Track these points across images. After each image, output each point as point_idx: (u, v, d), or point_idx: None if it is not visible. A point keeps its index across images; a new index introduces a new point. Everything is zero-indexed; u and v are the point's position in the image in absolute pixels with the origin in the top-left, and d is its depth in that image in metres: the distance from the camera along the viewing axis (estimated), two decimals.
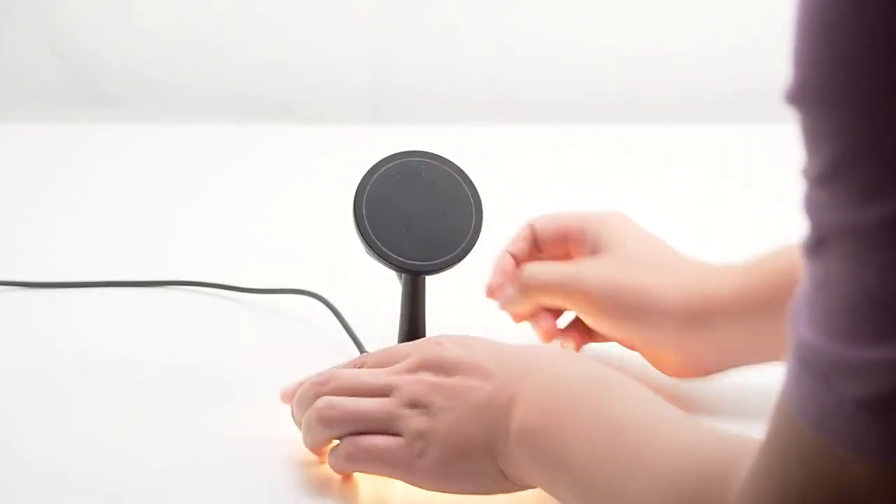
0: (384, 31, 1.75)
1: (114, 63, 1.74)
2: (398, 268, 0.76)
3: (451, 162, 0.79)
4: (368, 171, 0.77)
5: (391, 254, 0.76)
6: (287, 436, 0.76)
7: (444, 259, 0.77)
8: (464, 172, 0.79)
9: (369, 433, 0.64)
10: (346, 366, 0.70)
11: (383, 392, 0.65)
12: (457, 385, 0.63)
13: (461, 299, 0.99)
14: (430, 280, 0.78)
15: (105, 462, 0.73)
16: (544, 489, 0.61)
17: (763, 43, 1.82)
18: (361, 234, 0.76)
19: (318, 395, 0.66)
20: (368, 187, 0.76)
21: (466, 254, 0.77)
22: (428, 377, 0.64)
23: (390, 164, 0.77)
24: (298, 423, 0.68)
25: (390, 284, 1.01)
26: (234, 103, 1.74)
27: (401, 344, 0.70)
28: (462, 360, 0.64)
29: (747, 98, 1.79)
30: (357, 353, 0.87)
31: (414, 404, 0.63)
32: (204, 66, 1.75)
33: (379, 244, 0.76)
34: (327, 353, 0.86)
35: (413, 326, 0.79)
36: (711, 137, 1.63)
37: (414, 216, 0.77)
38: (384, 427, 0.64)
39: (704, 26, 1.83)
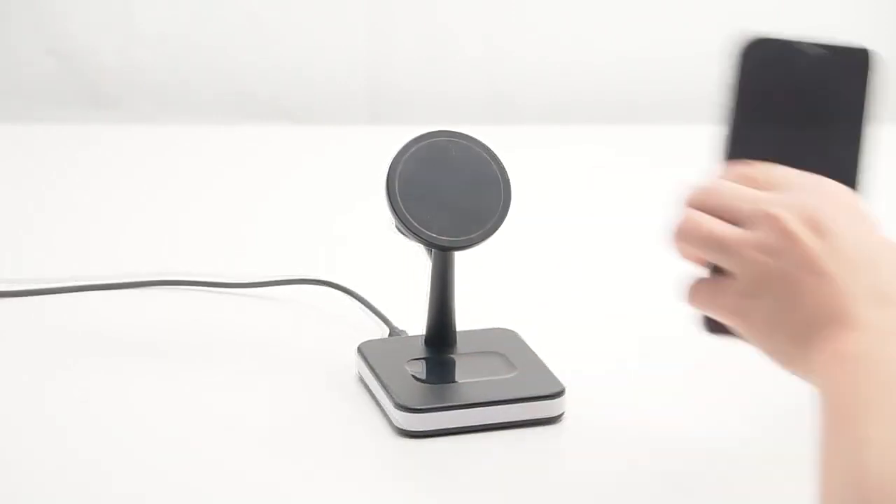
0: (381, 33, 1.75)
1: (112, 64, 1.73)
2: (429, 243, 0.77)
3: (479, 142, 0.80)
4: (400, 150, 0.78)
5: (422, 229, 0.76)
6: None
7: (474, 235, 0.77)
8: (492, 152, 0.80)
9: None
10: (734, 174, 0.66)
11: (747, 221, 0.62)
12: (815, 254, 0.60)
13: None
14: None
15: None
16: (823, 405, 0.57)
17: None
18: (394, 210, 0.76)
19: (692, 201, 0.64)
20: (400, 165, 0.77)
21: (495, 230, 0.78)
22: (795, 226, 0.60)
23: (421, 143, 0.78)
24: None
25: (394, 272, 1.02)
26: (231, 105, 1.74)
27: (790, 171, 0.65)
28: (835, 233, 0.60)
29: None
30: (385, 329, 0.88)
31: (765, 251, 0.61)
32: (202, 67, 1.75)
33: (411, 220, 0.76)
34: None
35: (442, 302, 0.80)
36: (712, 137, 1.64)
37: (444, 193, 0.77)
38: (724, 259, 0.62)
39: (702, 28, 1.84)
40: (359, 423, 0.76)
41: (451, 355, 0.80)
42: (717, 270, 0.64)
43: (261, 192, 1.34)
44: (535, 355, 0.79)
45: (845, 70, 0.70)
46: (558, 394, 0.76)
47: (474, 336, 0.82)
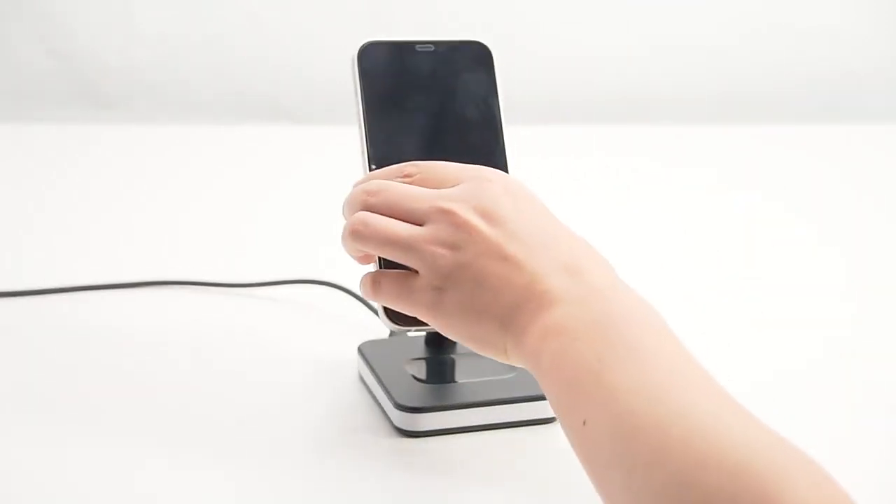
0: (381, 33, 1.76)
1: (113, 64, 1.74)
2: None
3: None
4: None
5: None
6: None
7: None
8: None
9: (394, 260, 0.65)
10: (395, 173, 0.68)
11: (423, 219, 0.64)
12: (493, 242, 0.62)
13: None
14: None
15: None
16: (544, 385, 0.59)
17: (764, 44, 1.84)
18: None
19: (364, 204, 0.67)
20: None
21: None
22: (470, 217, 0.63)
23: None
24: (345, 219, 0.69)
25: None
26: (231, 105, 1.74)
27: (450, 164, 0.67)
28: (509, 219, 0.63)
29: (747, 98, 1.81)
30: (385, 329, 0.88)
31: (444, 242, 0.63)
32: (202, 67, 1.76)
33: None
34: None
35: None
36: (711, 137, 1.64)
37: None
38: (408, 258, 0.64)
39: (703, 28, 1.85)
40: (359, 423, 0.76)
41: (451, 355, 0.80)
42: (388, 265, 0.67)
43: (261, 192, 1.34)
44: None
45: (464, 63, 0.74)
46: None
47: None
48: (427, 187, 0.67)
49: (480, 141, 0.73)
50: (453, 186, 0.66)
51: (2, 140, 1.53)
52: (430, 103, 0.74)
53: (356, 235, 0.66)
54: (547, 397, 0.59)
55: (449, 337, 0.65)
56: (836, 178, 1.47)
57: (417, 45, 0.75)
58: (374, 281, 0.68)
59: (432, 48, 0.75)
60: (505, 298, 0.61)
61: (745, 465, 0.48)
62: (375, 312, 0.91)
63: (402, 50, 0.74)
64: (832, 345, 0.91)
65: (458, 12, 1.79)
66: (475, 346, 0.64)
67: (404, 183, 0.67)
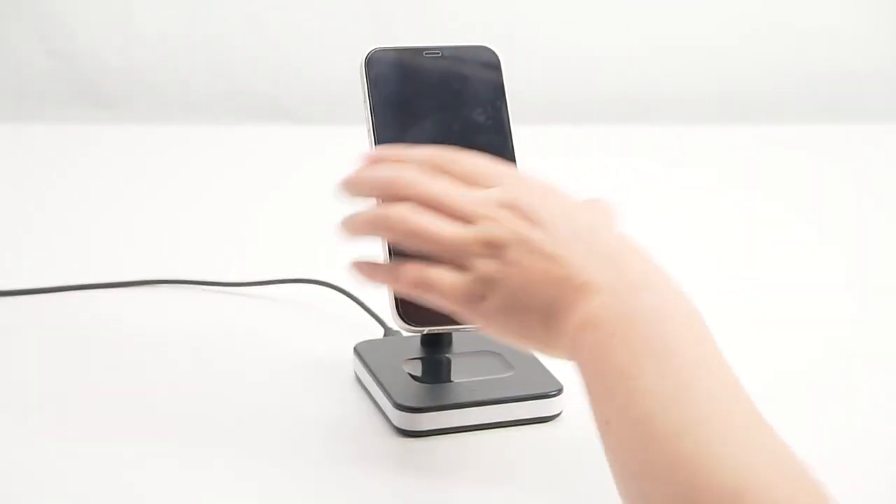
0: (383, 32, 1.76)
1: (113, 64, 1.73)
2: None
3: None
4: None
5: None
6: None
7: None
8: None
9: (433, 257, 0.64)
10: (431, 158, 0.67)
11: (465, 219, 0.64)
12: (536, 242, 0.62)
13: None
14: None
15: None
16: (581, 376, 0.60)
17: (764, 44, 1.84)
18: None
19: (397, 192, 0.65)
20: None
21: None
22: (512, 221, 0.63)
23: None
24: (353, 193, 0.68)
25: None
26: (231, 105, 1.74)
27: (487, 164, 0.67)
28: (549, 218, 0.63)
29: (747, 98, 1.81)
30: (380, 329, 0.88)
31: (490, 245, 0.63)
32: (202, 67, 1.75)
33: None
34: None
35: None
36: (711, 137, 1.64)
37: None
38: (453, 258, 0.64)
39: (703, 28, 1.84)
40: (357, 423, 0.76)
41: (448, 355, 0.80)
42: (397, 253, 0.66)
43: (261, 192, 1.34)
44: (533, 354, 0.79)
45: (471, 68, 0.75)
46: (556, 392, 0.76)
47: (470, 336, 0.82)
48: (462, 183, 0.66)
49: (489, 145, 0.73)
50: (490, 188, 0.65)
51: (2, 140, 1.53)
52: (439, 108, 0.74)
53: (394, 230, 0.65)
54: (587, 390, 0.60)
55: (494, 336, 0.65)
56: (836, 178, 1.46)
57: (425, 51, 0.75)
58: (422, 278, 0.65)
59: (439, 53, 0.75)
60: (546, 293, 0.62)
61: (742, 492, 0.49)
62: (370, 313, 0.91)
63: (409, 56, 0.75)
64: (832, 345, 0.91)
65: (458, 12, 1.79)
66: (521, 343, 0.64)
67: (435, 166, 0.66)
